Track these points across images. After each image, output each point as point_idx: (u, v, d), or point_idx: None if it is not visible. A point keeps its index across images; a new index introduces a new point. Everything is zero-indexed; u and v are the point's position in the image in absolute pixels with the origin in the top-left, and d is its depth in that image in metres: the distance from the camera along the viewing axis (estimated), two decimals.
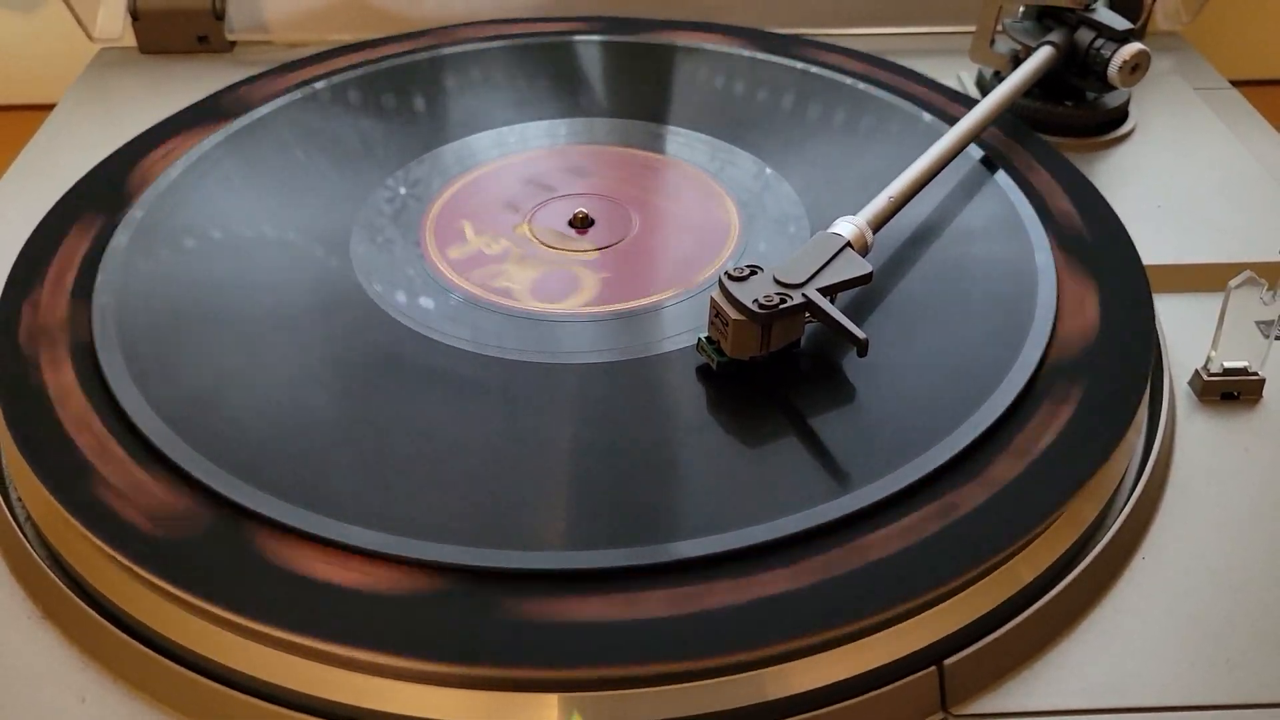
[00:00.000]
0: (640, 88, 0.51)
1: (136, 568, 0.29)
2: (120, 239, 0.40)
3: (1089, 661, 0.30)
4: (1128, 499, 0.33)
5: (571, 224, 0.43)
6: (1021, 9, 0.52)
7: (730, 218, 0.43)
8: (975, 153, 0.45)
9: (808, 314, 0.35)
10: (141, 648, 0.30)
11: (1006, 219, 0.41)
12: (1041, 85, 0.50)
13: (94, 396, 0.34)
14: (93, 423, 0.33)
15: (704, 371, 0.35)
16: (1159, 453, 0.35)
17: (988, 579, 0.30)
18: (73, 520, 0.31)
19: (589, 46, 0.54)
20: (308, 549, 0.30)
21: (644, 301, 0.39)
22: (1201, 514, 0.34)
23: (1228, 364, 0.37)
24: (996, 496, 0.31)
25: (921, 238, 0.41)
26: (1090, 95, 0.51)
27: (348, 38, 0.57)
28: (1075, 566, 0.31)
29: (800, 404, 0.34)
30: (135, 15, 0.58)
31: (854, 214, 0.38)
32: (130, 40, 0.59)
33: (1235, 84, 0.56)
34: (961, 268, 0.40)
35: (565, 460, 0.33)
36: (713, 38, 0.54)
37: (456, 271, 0.40)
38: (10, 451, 0.34)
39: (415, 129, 0.48)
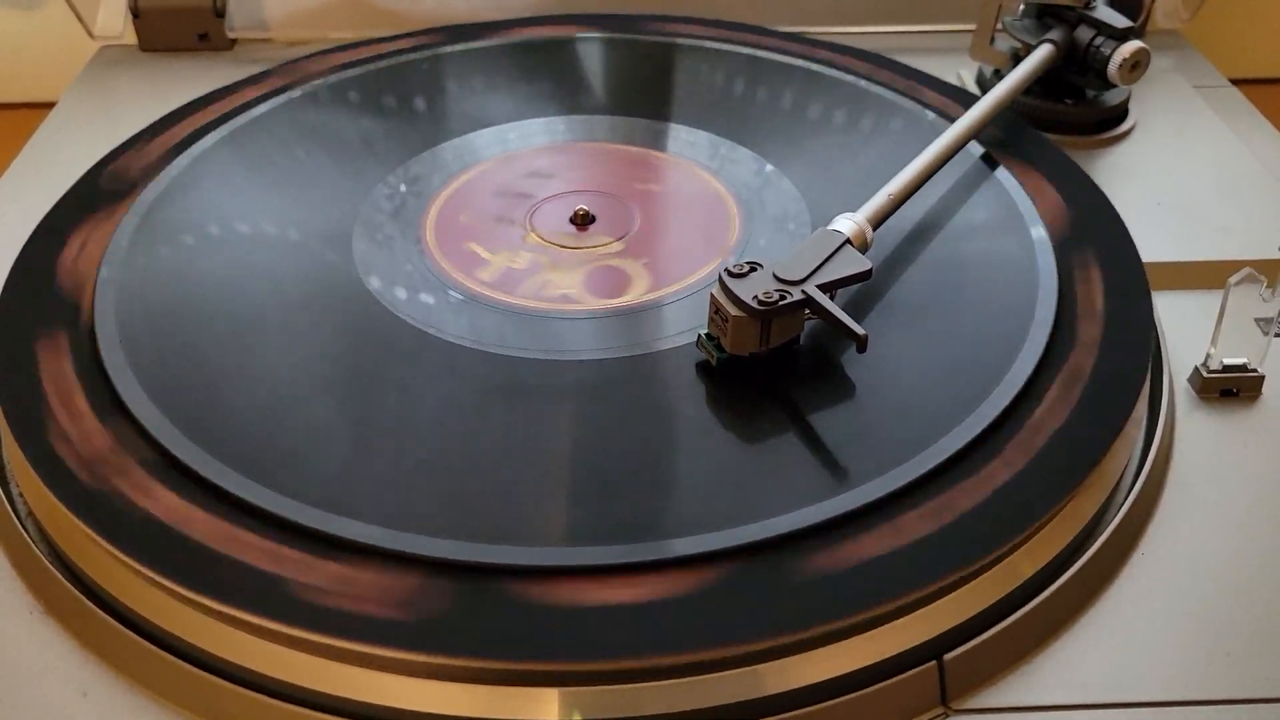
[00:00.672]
0: (641, 85, 0.51)
1: (136, 563, 0.29)
2: (121, 235, 0.40)
3: (1089, 657, 0.30)
4: (1127, 495, 0.33)
5: (572, 221, 0.43)
6: (1021, 7, 0.52)
7: (731, 215, 0.43)
8: (975, 150, 0.45)
9: (807, 310, 0.35)
10: (143, 642, 0.30)
11: (1006, 216, 0.42)
12: (1042, 83, 0.50)
13: (94, 391, 0.34)
14: (94, 418, 0.33)
15: (704, 368, 0.35)
16: (1159, 449, 0.35)
17: (988, 574, 0.30)
18: (72, 515, 0.31)
19: (590, 44, 0.54)
20: (303, 542, 0.30)
21: (630, 301, 0.39)
22: (1201, 510, 0.34)
23: (1227, 361, 0.37)
24: (997, 492, 0.31)
25: (922, 234, 0.41)
26: (1090, 93, 0.51)
27: (348, 36, 0.57)
28: (1075, 562, 0.31)
29: (800, 400, 0.34)
30: (136, 13, 0.58)
31: (854, 211, 0.38)
32: (131, 38, 0.60)
33: (1235, 82, 0.56)
34: (961, 264, 0.40)
35: (565, 456, 0.33)
36: (714, 34, 0.54)
37: (503, 292, 0.39)
38: (10, 446, 0.34)
39: (416, 126, 0.48)
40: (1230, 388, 0.38)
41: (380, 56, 0.52)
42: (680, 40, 0.54)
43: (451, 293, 0.39)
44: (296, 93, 0.49)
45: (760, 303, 0.34)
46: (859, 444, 0.33)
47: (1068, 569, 0.31)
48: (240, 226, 0.42)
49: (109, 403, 0.34)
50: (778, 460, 0.32)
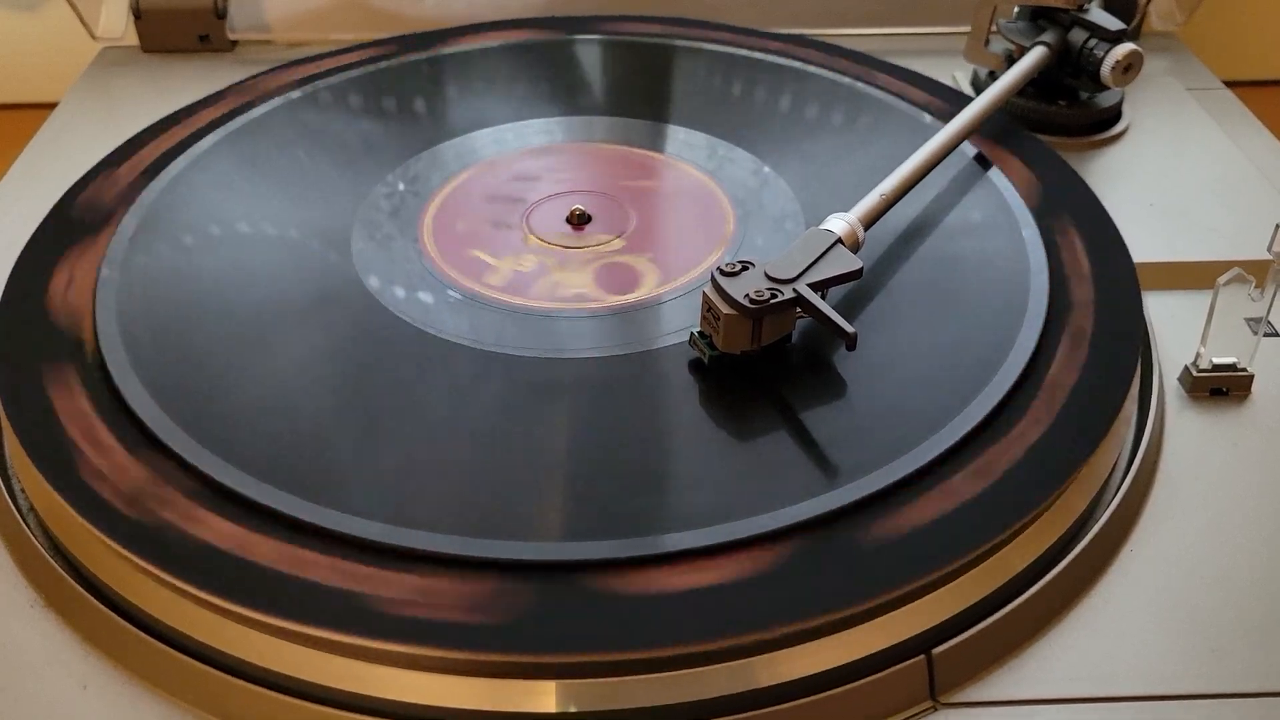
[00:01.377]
0: (639, 86, 0.52)
1: (137, 557, 0.30)
2: (122, 236, 0.41)
3: (1077, 651, 0.30)
4: (1117, 492, 0.34)
5: (568, 221, 0.43)
6: (1016, 10, 0.52)
7: (727, 215, 0.44)
8: (968, 150, 0.45)
9: (798, 309, 0.35)
10: (143, 635, 0.30)
11: (998, 216, 0.42)
12: (1035, 85, 0.50)
13: (95, 388, 0.34)
14: (94, 415, 0.34)
15: (696, 366, 0.36)
16: (1148, 447, 0.35)
17: (977, 569, 0.30)
18: (74, 510, 0.31)
19: (587, 45, 0.54)
20: (304, 538, 0.30)
21: (643, 296, 0.39)
22: (1189, 507, 0.34)
23: (1217, 360, 0.38)
24: (986, 489, 0.31)
25: (915, 234, 0.41)
26: (1084, 95, 0.52)
27: (349, 37, 0.58)
28: (1064, 557, 0.32)
29: (792, 398, 0.35)
30: (138, 14, 0.59)
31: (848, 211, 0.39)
32: (132, 39, 0.60)
33: (1228, 84, 0.56)
34: (953, 264, 0.40)
35: (560, 453, 0.33)
36: (711, 36, 0.54)
37: (518, 296, 0.39)
38: (12, 442, 0.34)
39: (415, 127, 0.48)
40: (1220, 387, 0.38)
41: (380, 58, 0.53)
42: (678, 42, 0.54)
43: (450, 292, 0.39)
44: (296, 93, 0.49)
45: (752, 301, 0.34)
46: (849, 442, 0.33)
47: (1057, 564, 0.31)
48: (232, 243, 0.42)
49: (111, 400, 0.34)
50: (769, 458, 0.33)
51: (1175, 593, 0.32)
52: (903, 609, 0.29)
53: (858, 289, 0.38)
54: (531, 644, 0.28)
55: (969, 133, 0.44)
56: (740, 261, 0.35)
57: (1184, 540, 0.33)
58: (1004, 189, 0.43)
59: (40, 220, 0.42)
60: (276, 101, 0.49)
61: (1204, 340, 0.38)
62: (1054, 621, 0.31)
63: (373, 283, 0.39)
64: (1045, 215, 0.42)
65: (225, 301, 0.38)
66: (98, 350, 0.36)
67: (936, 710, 0.29)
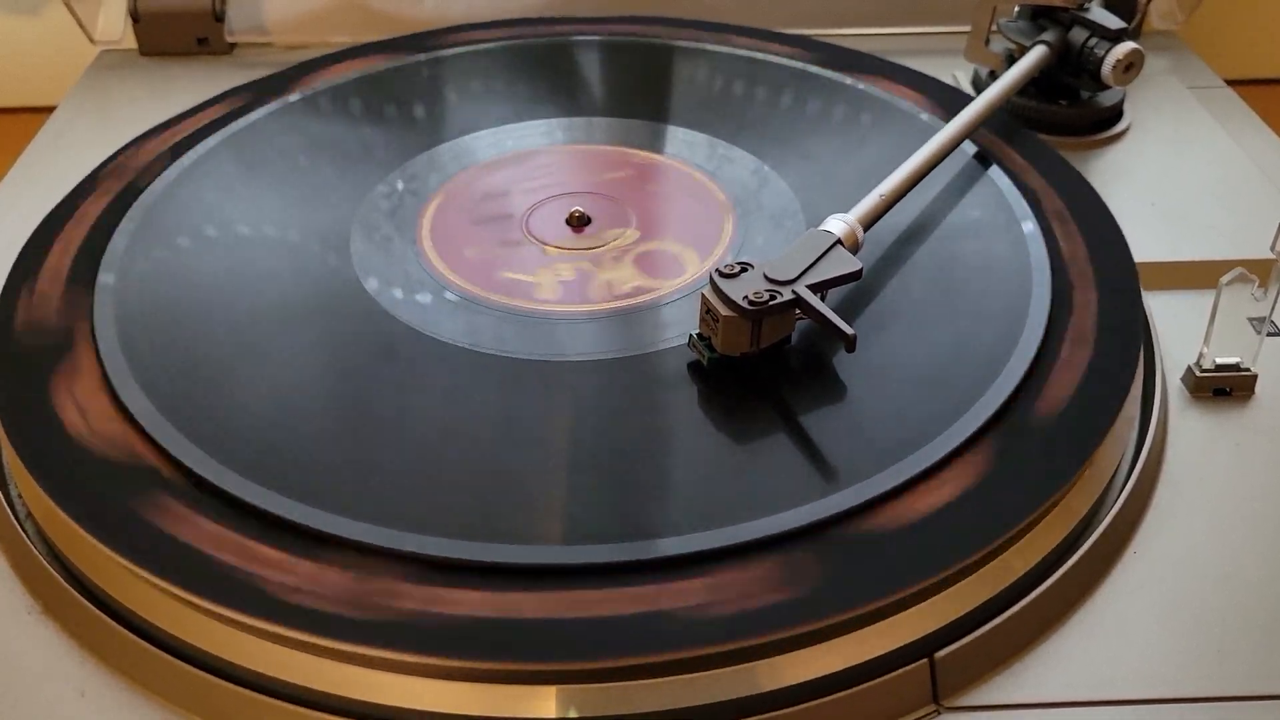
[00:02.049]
0: (638, 87, 0.52)
1: (135, 565, 0.30)
2: (120, 238, 0.40)
3: (1081, 654, 0.30)
4: (1120, 493, 0.34)
5: (568, 222, 0.43)
6: (1016, 9, 0.52)
7: (726, 215, 0.43)
8: (968, 150, 0.45)
9: (798, 311, 0.35)
10: (141, 642, 0.30)
11: (999, 216, 0.42)
12: (1036, 84, 0.50)
13: (93, 394, 0.34)
14: (94, 416, 0.33)
15: (696, 368, 0.36)
16: (1151, 448, 0.35)
17: (980, 572, 0.30)
18: (68, 517, 0.31)
19: (586, 46, 0.54)
20: (303, 543, 0.30)
21: (644, 298, 0.39)
22: (1193, 508, 0.34)
23: (1220, 360, 0.38)
24: (989, 491, 0.31)
25: (915, 235, 0.41)
26: (1085, 94, 0.51)
27: (347, 40, 0.58)
28: (1067, 560, 0.32)
29: (791, 400, 0.34)
30: (136, 17, 0.59)
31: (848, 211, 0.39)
32: (131, 42, 0.60)
33: (1230, 83, 0.56)
34: (954, 265, 0.40)
35: (559, 457, 0.33)
36: (710, 37, 0.54)
37: (579, 304, 0.39)
38: (9, 449, 0.34)
39: (414, 128, 0.48)
40: (1223, 387, 0.38)
41: (380, 59, 0.52)
42: (678, 42, 0.54)
43: (448, 293, 0.39)
44: (295, 96, 0.49)
45: (750, 303, 0.34)
46: (849, 444, 0.33)
47: (1060, 567, 0.31)
48: (231, 246, 0.42)
49: (110, 400, 0.34)
50: (769, 461, 0.32)
51: (1179, 595, 0.31)
52: (905, 613, 0.29)
53: (857, 290, 0.38)
54: (531, 650, 0.28)
55: (969, 133, 0.44)
56: (739, 263, 0.35)
57: (1188, 541, 0.33)
58: (1005, 189, 0.43)
59: (40, 222, 0.42)
60: (275, 104, 0.49)
61: (1207, 340, 0.37)
62: (1057, 624, 0.31)
63: (371, 284, 0.39)
64: (1046, 215, 0.42)
65: (224, 305, 0.38)
66: (96, 355, 0.35)
67: (940, 714, 0.29)
